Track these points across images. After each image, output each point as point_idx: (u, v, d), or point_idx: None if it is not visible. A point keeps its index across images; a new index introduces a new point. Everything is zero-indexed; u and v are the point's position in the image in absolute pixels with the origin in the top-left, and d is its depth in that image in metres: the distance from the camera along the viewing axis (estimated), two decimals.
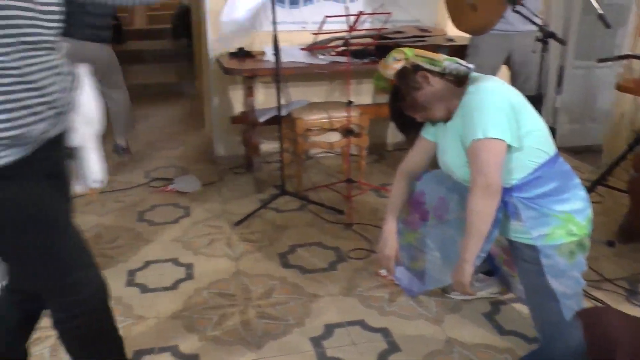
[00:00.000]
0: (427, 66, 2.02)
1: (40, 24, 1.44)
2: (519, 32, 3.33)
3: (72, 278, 1.58)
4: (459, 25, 3.57)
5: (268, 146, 4.27)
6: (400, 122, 2.24)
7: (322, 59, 3.71)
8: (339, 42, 3.68)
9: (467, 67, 2.03)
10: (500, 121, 1.84)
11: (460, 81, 2.01)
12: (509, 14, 3.17)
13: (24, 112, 1.42)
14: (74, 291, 1.59)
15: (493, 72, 3.35)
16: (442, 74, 2.01)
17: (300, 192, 3.60)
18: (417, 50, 2.08)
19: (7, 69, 1.38)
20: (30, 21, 1.41)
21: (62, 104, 1.53)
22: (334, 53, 3.78)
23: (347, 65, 3.32)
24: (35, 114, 1.44)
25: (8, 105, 1.39)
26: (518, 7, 2.87)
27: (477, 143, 1.85)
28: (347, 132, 3.47)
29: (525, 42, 3.32)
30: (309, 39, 3.80)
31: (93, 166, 1.74)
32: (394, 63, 2.06)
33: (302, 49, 3.79)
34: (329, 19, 3.24)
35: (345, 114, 3.41)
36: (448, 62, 2.02)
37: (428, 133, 2.20)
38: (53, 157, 1.60)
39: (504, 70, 3.53)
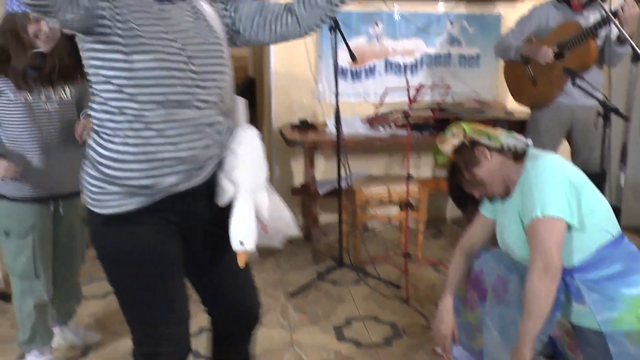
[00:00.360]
0: (485, 141, 2.01)
1: (191, 83, 1.52)
2: (579, 106, 3.29)
3: (159, 331, 1.63)
4: (518, 98, 3.58)
5: (327, 217, 4.30)
6: (458, 198, 2.23)
7: (383, 131, 3.76)
8: (399, 115, 3.72)
9: (525, 142, 2.01)
10: (560, 199, 1.81)
11: (519, 157, 2.00)
12: (570, 87, 3.14)
13: (157, 164, 1.51)
14: (154, 343, 1.63)
15: (553, 147, 3.30)
16: (500, 150, 2.01)
17: (358, 265, 3.58)
18: (474, 125, 2.08)
19: (150, 123, 1.49)
20: (181, 81, 1.50)
21: (200, 161, 1.57)
22: (394, 125, 3.83)
23: (407, 137, 3.35)
24: (167, 167, 1.52)
25: (142, 157, 1.50)
26: (578, 81, 2.85)
27: (535, 221, 1.81)
28: (405, 205, 3.46)
29: (586, 116, 3.27)
30: (370, 110, 3.87)
31: (237, 227, 1.61)
32: (451, 138, 2.06)
33: (363, 121, 3.85)
34: (389, 91, 3.30)
35: (404, 187, 3.41)
36: (506, 138, 2.01)
37: (487, 210, 2.17)
38: (180, 209, 1.62)
39: (565, 145, 3.47)
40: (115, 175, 1.51)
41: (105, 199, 1.54)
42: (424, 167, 4.43)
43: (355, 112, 4.14)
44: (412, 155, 3.97)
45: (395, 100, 3.58)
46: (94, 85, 1.53)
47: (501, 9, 4.32)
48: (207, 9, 1.66)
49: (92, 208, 1.57)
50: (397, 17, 4.22)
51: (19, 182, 2.31)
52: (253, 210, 1.64)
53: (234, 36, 1.73)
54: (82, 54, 1.54)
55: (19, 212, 2.34)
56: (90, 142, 1.58)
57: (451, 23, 4.29)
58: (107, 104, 1.51)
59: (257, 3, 1.72)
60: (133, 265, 1.59)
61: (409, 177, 3.35)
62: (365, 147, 4.15)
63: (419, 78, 4.25)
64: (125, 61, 1.46)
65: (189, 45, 1.54)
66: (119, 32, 1.46)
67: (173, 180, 1.54)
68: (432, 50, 4.31)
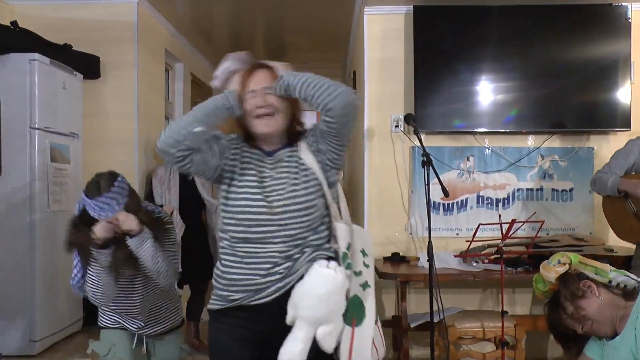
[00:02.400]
0: (592, 275, 1.96)
1: (269, 223, 1.88)
2: None
3: None
4: (621, 235, 3.45)
5: (418, 352, 4.18)
6: (559, 333, 2.13)
7: (476, 267, 3.72)
8: (493, 250, 3.69)
9: (637, 280, 1.95)
10: None
11: (629, 295, 1.93)
12: None
13: (229, 282, 1.93)
14: None
15: None
16: (607, 286, 1.95)
17: None
18: (582, 257, 2.04)
19: (236, 251, 1.93)
20: (259, 222, 1.88)
21: (260, 283, 1.88)
22: (487, 261, 3.78)
23: (501, 273, 3.30)
24: (236, 285, 1.91)
25: (225, 275, 1.94)
26: None
27: None
28: (501, 343, 3.33)
29: None
30: (462, 245, 3.86)
31: (285, 349, 1.81)
32: (557, 266, 2.02)
33: (456, 256, 3.84)
34: (482, 226, 3.31)
35: (499, 324, 3.31)
36: (615, 274, 1.96)
37: (593, 352, 2.06)
38: (256, 320, 1.92)
39: None
40: (215, 285, 1.99)
41: (212, 296, 2.00)
42: (519, 304, 4.28)
43: (448, 247, 4.15)
44: (506, 292, 3.87)
45: (488, 234, 3.57)
46: None
47: (594, 143, 4.31)
48: (305, 152, 1.97)
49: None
50: (487, 151, 4.31)
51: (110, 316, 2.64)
52: (308, 340, 1.80)
53: (322, 155, 1.97)
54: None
55: (104, 336, 2.64)
56: None
57: (542, 157, 4.32)
58: (222, 234, 1.98)
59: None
60: (211, 350, 2.02)
61: (504, 314, 3.25)
62: (458, 282, 4.09)
63: (511, 212, 4.24)
64: (225, 204, 1.94)
65: (275, 192, 1.90)
66: (227, 180, 1.95)
67: (239, 296, 1.91)
68: (524, 185, 4.32)
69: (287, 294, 1.86)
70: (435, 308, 3.28)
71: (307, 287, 1.83)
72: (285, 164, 1.97)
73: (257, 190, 1.90)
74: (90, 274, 2.40)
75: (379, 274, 3.72)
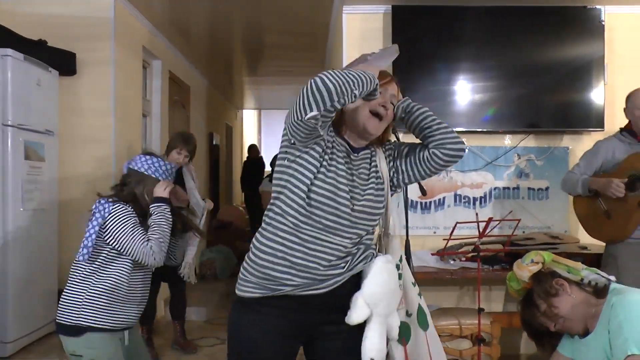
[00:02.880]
0: (564, 274, 1.99)
1: (347, 217, 1.85)
2: None
3: None
4: (592, 233, 3.50)
5: None
6: (532, 330, 2.16)
7: (453, 264, 3.75)
8: (470, 248, 3.73)
9: (607, 278, 1.98)
10: None
11: (600, 292, 1.96)
12: None
13: (287, 263, 1.83)
14: None
15: (635, 284, 3.14)
16: (579, 284, 1.97)
17: None
18: (555, 256, 2.06)
19: (301, 232, 1.84)
20: (340, 213, 1.84)
21: (322, 275, 1.84)
22: (464, 259, 3.82)
23: (478, 271, 3.33)
24: (294, 269, 1.83)
25: (279, 253, 1.84)
26: None
27: (631, 359, 1.74)
28: (477, 340, 3.37)
29: None
30: (440, 243, 3.89)
31: (371, 345, 1.84)
32: (530, 265, 2.04)
33: (433, 254, 3.87)
34: (459, 224, 3.34)
35: (475, 321, 3.34)
36: (587, 272, 1.98)
37: (564, 349, 2.10)
38: (301, 311, 1.88)
39: None
40: (256, 262, 1.87)
41: (242, 284, 1.90)
42: (495, 302, 4.33)
43: (425, 245, 4.17)
44: (483, 289, 3.90)
45: (465, 233, 3.60)
46: (278, 188, 1.89)
47: (569, 142, 4.38)
48: (381, 160, 2.02)
49: (236, 291, 1.93)
50: (465, 150, 4.34)
51: (107, 312, 2.50)
52: (385, 333, 1.87)
53: (397, 174, 2.04)
54: (283, 161, 1.91)
55: (96, 341, 2.50)
56: (254, 238, 1.94)
57: (518, 156, 4.37)
58: (277, 207, 1.88)
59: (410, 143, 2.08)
60: (237, 344, 1.94)
61: (480, 311, 3.29)
62: (435, 280, 4.11)
63: (488, 211, 4.28)
64: (310, 180, 1.83)
65: (358, 188, 1.90)
66: (318, 155, 1.85)
67: (294, 282, 1.83)
68: (500, 183, 4.37)
69: (341, 287, 1.86)
70: None
71: (381, 283, 1.87)
72: (365, 164, 1.98)
73: (345, 182, 1.87)
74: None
75: None
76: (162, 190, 2.63)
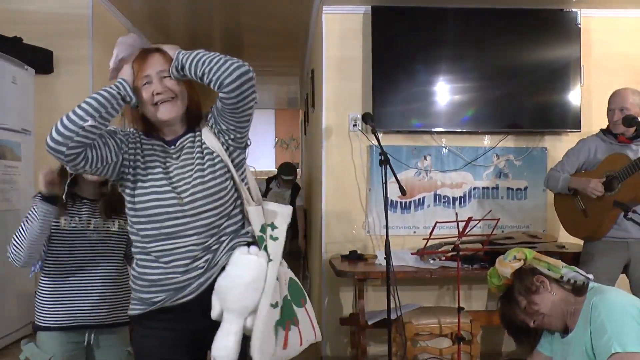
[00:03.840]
0: (545, 271, 2.00)
1: (181, 215, 1.78)
2: (636, 240, 3.25)
3: None
4: (570, 231, 3.56)
5: (376, 349, 4.21)
6: (511, 327, 2.16)
7: (432, 264, 3.77)
8: (449, 247, 3.75)
9: (586, 276, 1.99)
10: (638, 334, 1.77)
11: (578, 290, 1.97)
12: (623, 220, 3.11)
13: (148, 283, 1.82)
14: None
15: (610, 282, 3.20)
16: (558, 281, 1.99)
17: None
18: (536, 253, 2.08)
19: (150, 252, 1.81)
20: (171, 215, 1.78)
21: (181, 281, 1.79)
22: (444, 258, 3.83)
23: (457, 270, 3.35)
24: (156, 286, 1.81)
25: (143, 277, 1.83)
26: (631, 215, 2.82)
27: (615, 358, 1.76)
28: (457, 338, 3.39)
29: None
30: (419, 243, 3.90)
31: (217, 344, 1.73)
32: (513, 262, 2.04)
33: (413, 254, 3.88)
34: (439, 224, 3.35)
35: (455, 320, 3.36)
36: (567, 270, 2.00)
37: (544, 347, 2.11)
38: (181, 320, 1.83)
39: (623, 279, 3.39)
40: (133, 288, 1.88)
41: (131, 304, 1.90)
42: (475, 300, 4.36)
43: (405, 244, 4.19)
44: (462, 288, 3.93)
45: (444, 232, 3.62)
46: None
47: (547, 143, 4.43)
48: (207, 136, 1.89)
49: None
50: (444, 151, 4.38)
51: (49, 309, 2.36)
52: (239, 331, 1.73)
53: (224, 135, 1.89)
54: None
55: (42, 341, 2.37)
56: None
57: (497, 156, 4.41)
58: (132, 235, 1.87)
59: None
60: (137, 357, 1.95)
61: (460, 310, 3.31)
62: (415, 279, 4.14)
63: (467, 210, 4.31)
64: (131, 202, 1.82)
65: (182, 180, 1.81)
66: (130, 177, 1.82)
67: (161, 297, 1.81)
68: (480, 183, 4.40)
69: (210, 289, 1.78)
70: (392, 305, 3.31)
71: (232, 277, 1.75)
72: (189, 150, 1.87)
73: (164, 182, 1.80)
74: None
75: (337, 272, 3.74)
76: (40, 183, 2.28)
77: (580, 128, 4.25)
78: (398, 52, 4.21)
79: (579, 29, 4.29)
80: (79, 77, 4.46)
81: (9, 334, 4.02)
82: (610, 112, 3.39)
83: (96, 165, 1.74)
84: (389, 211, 3.38)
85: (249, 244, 1.84)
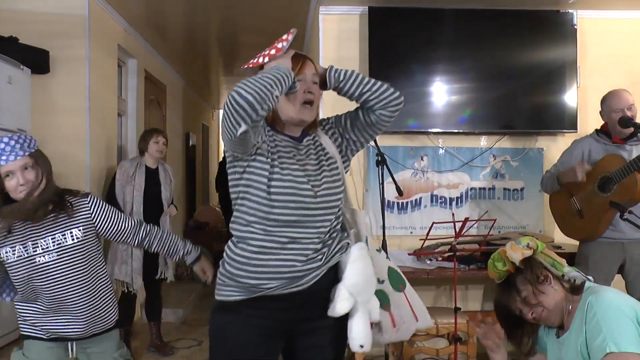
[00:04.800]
0: (548, 266, 2.01)
1: (313, 206, 1.86)
2: (631, 241, 3.26)
3: None
4: (566, 232, 3.56)
5: (373, 349, 4.20)
6: (505, 316, 2.13)
7: (429, 264, 3.77)
8: (446, 248, 3.75)
9: (586, 277, 2.00)
10: (633, 334, 1.77)
11: (575, 290, 1.98)
12: (619, 221, 3.13)
13: (264, 269, 1.83)
14: None
15: (606, 282, 3.21)
16: (559, 279, 2.00)
17: None
18: (546, 247, 2.08)
19: (272, 236, 1.84)
20: (304, 204, 1.85)
21: (301, 270, 1.84)
22: (440, 258, 3.84)
23: (454, 270, 3.36)
24: (272, 273, 1.82)
25: (255, 262, 1.83)
26: (627, 215, 2.82)
27: (610, 357, 1.77)
28: (454, 339, 3.39)
29: (639, 251, 3.23)
30: (416, 243, 3.91)
31: (358, 333, 1.86)
32: (525, 249, 2.03)
33: (410, 254, 3.89)
34: (436, 224, 3.36)
35: (452, 320, 3.37)
36: (569, 269, 2.01)
37: (539, 345, 2.12)
38: (272, 310, 1.87)
39: (619, 280, 3.40)
40: (232, 272, 1.86)
41: (222, 289, 1.89)
42: (471, 301, 4.37)
43: (402, 245, 4.19)
44: (459, 288, 3.94)
45: (441, 233, 3.63)
46: (238, 201, 1.89)
47: (543, 144, 4.44)
48: (326, 141, 2.03)
49: (215, 296, 1.92)
50: (441, 151, 4.38)
51: (28, 321, 2.34)
52: (368, 318, 1.89)
53: (350, 146, 2.08)
54: (234, 175, 1.91)
55: (29, 349, 2.35)
56: (226, 246, 1.93)
57: (494, 157, 4.42)
58: (242, 219, 1.88)
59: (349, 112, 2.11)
60: (219, 347, 1.91)
61: (457, 310, 3.31)
62: (412, 279, 4.10)
63: (464, 211, 4.32)
64: (265, 185, 1.83)
65: (312, 175, 1.89)
66: (268, 160, 1.85)
67: (274, 284, 1.82)
68: (476, 184, 4.41)
69: (321, 281, 1.86)
70: None
71: (361, 272, 1.89)
72: (312, 150, 1.98)
73: (301, 174, 1.87)
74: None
75: None
76: None
77: (576, 129, 4.26)
78: (395, 53, 4.22)
79: (575, 30, 4.30)
80: (76, 77, 4.44)
81: (4, 335, 4.00)
82: (615, 113, 3.35)
83: (253, 138, 1.80)
84: (385, 212, 3.39)
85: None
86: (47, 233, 2.27)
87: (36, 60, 4.31)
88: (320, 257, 1.88)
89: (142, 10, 5.18)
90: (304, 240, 1.85)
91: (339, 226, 1.99)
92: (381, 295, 2.00)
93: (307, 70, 1.94)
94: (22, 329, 2.37)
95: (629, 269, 3.31)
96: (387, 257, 2.15)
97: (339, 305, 1.84)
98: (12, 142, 2.21)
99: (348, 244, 1.96)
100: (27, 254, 2.24)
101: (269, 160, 1.86)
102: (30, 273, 2.24)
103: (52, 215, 2.28)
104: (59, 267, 2.27)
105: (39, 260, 2.24)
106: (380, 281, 2.03)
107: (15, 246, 2.24)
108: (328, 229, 1.91)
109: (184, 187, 8.26)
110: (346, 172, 2.07)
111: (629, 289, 3.31)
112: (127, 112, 5.73)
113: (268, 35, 6.05)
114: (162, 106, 6.95)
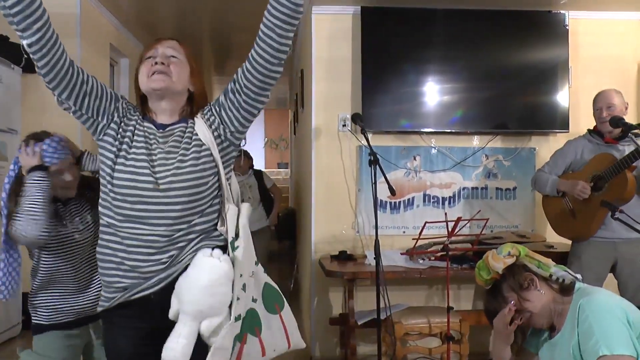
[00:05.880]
0: (534, 269, 2.01)
1: (155, 201, 1.74)
2: (623, 240, 3.27)
3: None
4: (558, 231, 3.58)
5: (365, 349, 4.22)
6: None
7: (422, 264, 3.78)
8: (438, 247, 3.76)
9: (574, 277, 2.00)
10: (625, 336, 1.77)
11: (565, 290, 1.98)
12: (610, 220, 3.13)
13: (112, 265, 1.79)
14: None
15: (598, 282, 3.23)
16: (547, 280, 2.00)
17: None
18: (529, 251, 2.08)
19: (118, 231, 1.77)
20: (144, 199, 1.74)
21: (144, 272, 1.76)
22: (433, 258, 3.84)
23: (447, 270, 3.36)
24: (119, 270, 1.77)
25: (106, 257, 1.80)
26: (619, 215, 2.83)
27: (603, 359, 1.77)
28: (447, 338, 3.40)
29: (631, 250, 3.25)
30: (409, 243, 3.91)
31: (167, 345, 1.69)
32: (506, 258, 2.04)
33: (402, 254, 3.89)
34: (428, 224, 3.36)
35: (444, 319, 3.37)
36: (556, 269, 2.01)
37: (530, 345, 2.12)
38: (144, 316, 1.79)
39: (611, 280, 3.41)
40: (99, 271, 1.85)
41: (101, 297, 1.87)
42: (464, 300, 4.37)
43: (394, 245, 4.19)
44: (451, 288, 3.94)
45: (434, 232, 3.63)
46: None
47: (535, 144, 4.45)
48: (200, 127, 1.86)
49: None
50: (434, 151, 4.39)
51: (49, 307, 2.34)
52: (192, 335, 1.68)
53: (228, 126, 1.87)
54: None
55: (40, 345, 2.35)
56: None
57: (486, 157, 4.43)
58: (103, 208, 1.82)
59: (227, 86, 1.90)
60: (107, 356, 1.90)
61: (449, 309, 3.32)
62: (405, 279, 4.15)
63: (456, 210, 4.33)
64: (109, 175, 1.77)
65: (163, 166, 1.77)
66: (114, 149, 1.80)
67: (124, 283, 1.77)
68: (469, 184, 4.42)
69: (170, 286, 1.74)
70: (382, 305, 3.32)
71: (190, 278, 1.70)
72: (177, 137, 1.84)
73: (145, 165, 1.76)
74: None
75: (326, 272, 3.73)
76: (28, 158, 2.23)
77: (568, 129, 4.28)
78: (387, 53, 4.22)
79: (567, 30, 4.32)
80: None
81: (4, 332, 3.98)
82: (597, 111, 3.41)
83: (78, 102, 1.77)
84: (378, 211, 3.39)
85: (215, 247, 1.77)
86: (76, 214, 2.39)
87: (27, 59, 4.29)
88: (165, 260, 1.75)
89: (134, 10, 5.16)
90: (143, 236, 1.74)
91: (203, 226, 1.81)
92: (252, 316, 1.83)
93: (159, 46, 1.87)
94: (41, 320, 2.35)
95: (621, 269, 3.32)
96: (265, 272, 1.96)
97: (170, 310, 1.73)
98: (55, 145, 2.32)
99: (214, 248, 1.76)
100: (65, 231, 2.33)
101: (114, 149, 1.79)
102: (69, 248, 2.34)
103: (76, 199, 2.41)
104: (90, 244, 2.36)
105: (75, 239, 2.34)
106: (253, 299, 1.86)
107: (56, 223, 2.31)
108: (178, 227, 1.76)
109: None
110: (229, 164, 1.90)
111: (621, 289, 3.32)
112: None
113: None
114: None
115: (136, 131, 1.83)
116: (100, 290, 2.29)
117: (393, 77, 4.22)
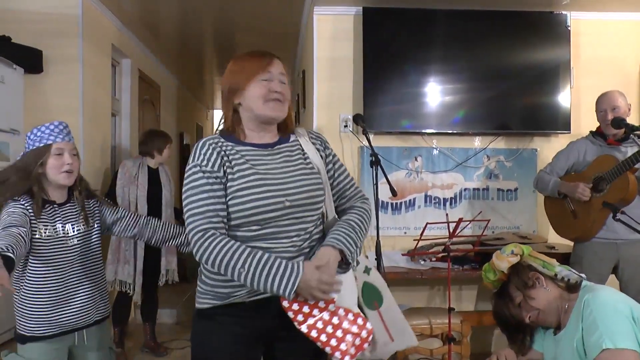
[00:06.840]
0: (540, 268, 2.03)
1: (284, 216, 1.81)
2: (625, 241, 3.27)
3: None
4: (560, 232, 3.57)
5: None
6: (505, 323, 2.17)
7: (423, 265, 3.78)
8: (440, 248, 3.76)
9: (579, 275, 2.02)
10: (628, 331, 1.79)
11: (572, 288, 2.00)
12: (612, 222, 3.13)
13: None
14: None
15: (600, 282, 3.19)
16: (552, 279, 2.01)
17: None
18: (532, 250, 2.10)
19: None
20: (274, 213, 1.79)
21: None
22: (434, 259, 3.84)
23: (448, 271, 3.36)
24: (240, 287, 1.80)
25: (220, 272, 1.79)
26: (620, 216, 2.83)
27: (606, 354, 1.78)
28: (448, 339, 3.40)
29: (633, 252, 3.25)
30: (410, 244, 3.91)
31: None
32: (510, 256, 2.06)
33: (404, 254, 3.89)
34: (430, 225, 3.36)
35: (446, 320, 3.37)
36: (560, 268, 2.03)
37: (537, 344, 2.14)
38: (243, 317, 1.84)
39: (613, 281, 3.41)
40: (207, 282, 1.87)
41: (199, 297, 1.90)
42: (465, 301, 4.37)
43: (396, 246, 4.19)
44: (453, 289, 3.94)
45: (435, 233, 3.63)
46: None
47: (537, 144, 4.45)
48: (309, 148, 1.97)
49: (195, 304, 1.92)
50: (435, 152, 4.39)
51: (35, 319, 2.31)
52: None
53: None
54: None
55: (25, 350, 2.33)
56: None
57: (488, 158, 4.42)
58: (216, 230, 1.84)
59: (345, 183, 2.03)
60: (199, 354, 1.90)
61: (451, 310, 3.32)
62: (406, 280, 4.15)
63: (458, 211, 4.32)
64: (232, 197, 1.79)
65: (284, 184, 1.82)
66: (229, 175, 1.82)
67: (243, 292, 1.81)
68: (470, 184, 4.41)
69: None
70: None
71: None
72: (287, 154, 1.92)
73: (261, 182, 1.81)
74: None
75: None
76: None
77: (569, 129, 4.27)
78: (389, 53, 4.22)
79: (569, 31, 4.31)
80: (69, 76, 4.42)
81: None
82: (601, 113, 3.41)
83: None
84: (379, 212, 3.39)
85: None
86: (68, 219, 2.39)
87: (29, 60, 4.29)
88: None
89: (136, 10, 5.16)
90: (276, 250, 1.80)
91: (318, 235, 1.92)
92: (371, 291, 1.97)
93: (273, 69, 1.89)
94: (24, 330, 2.33)
95: (622, 270, 3.32)
96: (366, 271, 2.05)
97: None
98: (66, 127, 2.49)
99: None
100: (59, 234, 2.33)
101: (223, 185, 1.81)
102: (58, 253, 2.32)
103: (72, 202, 2.44)
104: (81, 251, 2.39)
105: (68, 243, 2.35)
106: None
107: (47, 226, 2.31)
108: (305, 237, 1.86)
109: (178, 187, 8.23)
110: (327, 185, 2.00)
111: (623, 290, 3.31)
112: (121, 112, 5.71)
113: (262, 35, 6.06)
114: (156, 106, 6.93)
115: (235, 158, 1.85)
116: (84, 304, 2.38)
117: (395, 78, 4.22)
